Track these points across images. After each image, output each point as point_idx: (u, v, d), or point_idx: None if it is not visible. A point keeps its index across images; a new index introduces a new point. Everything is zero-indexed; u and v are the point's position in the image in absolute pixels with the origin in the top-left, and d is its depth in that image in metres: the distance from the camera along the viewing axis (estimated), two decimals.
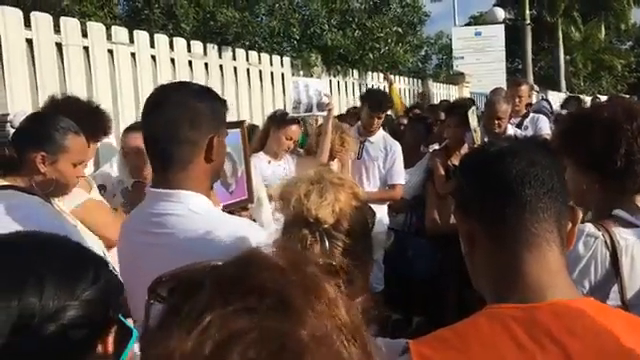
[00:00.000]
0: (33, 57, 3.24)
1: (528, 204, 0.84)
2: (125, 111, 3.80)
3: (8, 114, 1.60)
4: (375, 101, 3.84)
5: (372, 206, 3.75)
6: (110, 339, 0.71)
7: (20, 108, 3.09)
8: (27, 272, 0.65)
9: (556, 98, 13.71)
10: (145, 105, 1.40)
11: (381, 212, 3.94)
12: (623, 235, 1.41)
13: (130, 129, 2.68)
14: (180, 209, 1.32)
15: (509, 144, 0.91)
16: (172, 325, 0.45)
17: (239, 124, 2.32)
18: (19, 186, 1.60)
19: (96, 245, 1.75)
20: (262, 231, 1.23)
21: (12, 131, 1.61)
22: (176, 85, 1.44)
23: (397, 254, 3.95)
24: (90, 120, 2.01)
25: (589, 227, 1.44)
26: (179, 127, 1.31)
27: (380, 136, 3.90)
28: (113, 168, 3.00)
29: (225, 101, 1.45)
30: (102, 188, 2.65)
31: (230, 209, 2.26)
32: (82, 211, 1.87)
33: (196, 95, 1.36)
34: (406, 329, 4.13)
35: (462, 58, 13.71)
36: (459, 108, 3.76)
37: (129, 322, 0.78)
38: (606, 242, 1.42)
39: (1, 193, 1.57)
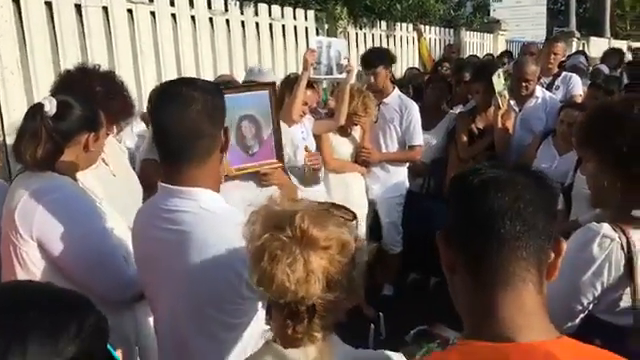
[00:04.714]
0: (53, 20, 3.22)
1: (507, 242, 0.82)
2: (146, 71, 3.79)
3: (42, 104, 1.61)
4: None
5: (391, 168, 3.71)
6: None
7: (42, 72, 3.12)
8: (11, 334, 0.66)
9: (599, 45, 13.02)
10: (156, 99, 1.40)
11: (402, 175, 3.93)
12: None
13: None
14: (192, 206, 1.34)
15: (495, 174, 0.86)
16: None
17: (268, 85, 2.28)
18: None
19: (121, 223, 1.79)
20: None
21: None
22: (186, 80, 1.47)
23: (415, 216, 3.97)
24: (119, 104, 2.01)
25: (605, 228, 1.40)
26: (200, 122, 1.33)
27: (395, 96, 3.81)
28: (133, 131, 3.04)
29: (221, 91, 1.46)
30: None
31: (249, 170, 2.28)
32: None
33: (208, 89, 1.38)
34: (424, 289, 4.20)
35: (500, 1, 13.04)
36: (486, 72, 3.61)
37: (118, 356, 0.80)
38: (622, 244, 1.39)
39: (38, 175, 1.61)
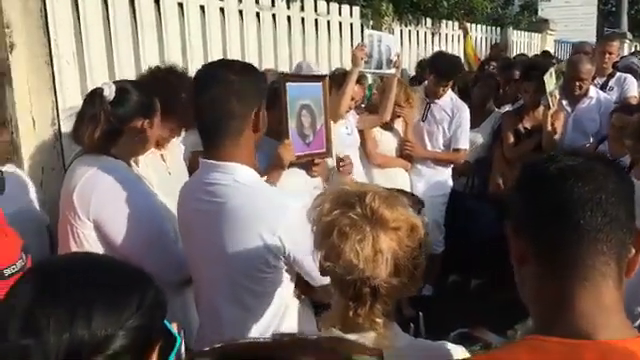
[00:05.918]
0: (108, 12, 3.32)
1: (587, 234, 0.78)
2: (194, 64, 3.84)
3: (101, 89, 1.68)
4: (442, 70, 3.64)
5: (437, 165, 3.63)
6: (154, 355, 0.74)
7: (96, 62, 3.22)
8: (76, 304, 0.68)
9: None
10: (195, 82, 1.47)
11: (446, 173, 3.87)
12: None
13: None
14: (227, 180, 1.42)
15: (573, 162, 0.82)
16: None
17: (320, 78, 2.34)
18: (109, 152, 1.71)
19: (171, 210, 1.82)
20: (300, 201, 1.28)
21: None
22: (223, 62, 1.57)
23: (458, 216, 3.90)
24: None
25: None
26: (229, 103, 1.40)
27: (447, 98, 3.73)
28: None
29: (264, 74, 1.54)
30: None
31: (305, 159, 2.34)
32: None
33: (239, 72, 1.44)
34: (464, 290, 4.12)
35: (549, 0, 12.66)
36: (537, 71, 3.51)
37: (173, 328, 0.82)
38: None
39: (95, 158, 1.69)
